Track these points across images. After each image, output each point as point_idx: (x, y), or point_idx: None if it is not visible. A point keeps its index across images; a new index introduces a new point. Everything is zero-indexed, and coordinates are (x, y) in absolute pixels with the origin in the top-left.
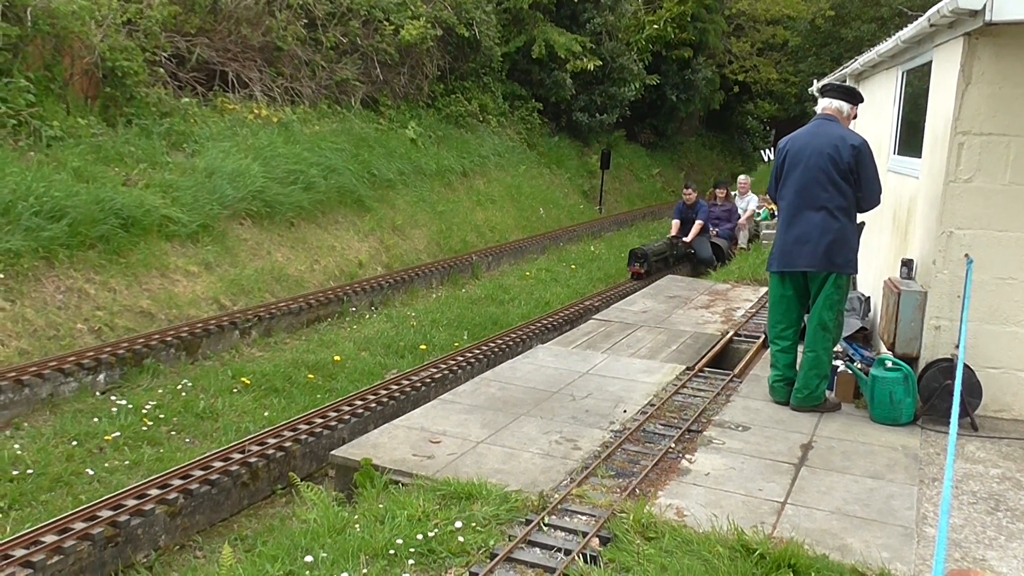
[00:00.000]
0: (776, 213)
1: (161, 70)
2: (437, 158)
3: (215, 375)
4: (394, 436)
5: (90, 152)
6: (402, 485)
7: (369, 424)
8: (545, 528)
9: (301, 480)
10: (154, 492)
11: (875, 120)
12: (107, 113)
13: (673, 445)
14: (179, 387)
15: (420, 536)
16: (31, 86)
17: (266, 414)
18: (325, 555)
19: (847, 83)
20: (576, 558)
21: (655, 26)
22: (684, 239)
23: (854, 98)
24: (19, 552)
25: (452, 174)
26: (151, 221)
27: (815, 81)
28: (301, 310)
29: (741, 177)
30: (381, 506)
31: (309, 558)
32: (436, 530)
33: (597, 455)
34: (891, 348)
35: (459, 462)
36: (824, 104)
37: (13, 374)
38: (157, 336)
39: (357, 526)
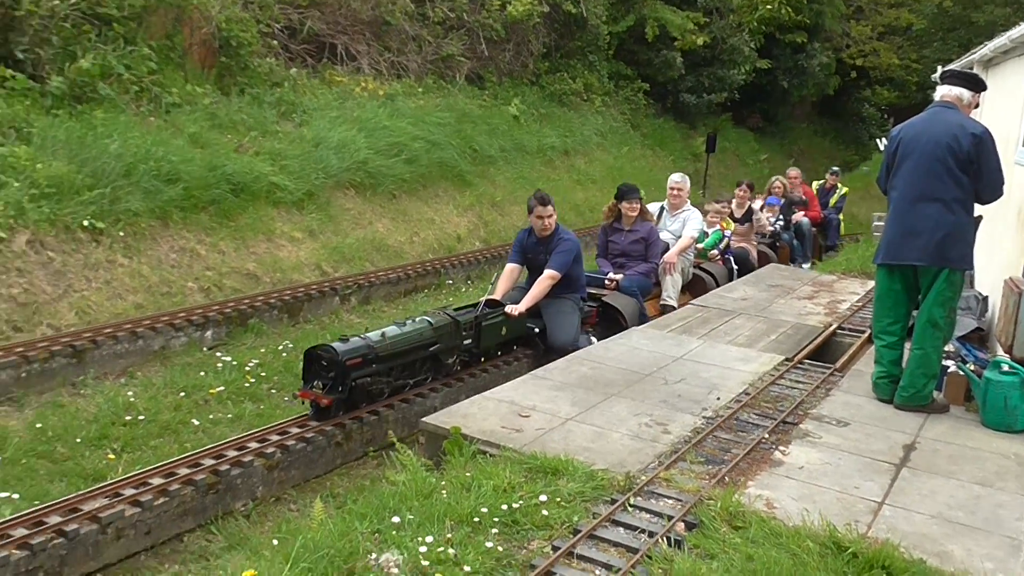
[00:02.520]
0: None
1: (274, 42)
2: (539, 136)
3: (315, 338)
4: (484, 407)
5: (205, 119)
6: (489, 456)
7: (460, 394)
8: (630, 509)
9: (391, 445)
10: (253, 445)
11: (1004, 110)
12: (222, 82)
13: (767, 436)
14: (280, 348)
15: (505, 507)
16: (153, 55)
17: None
18: (412, 517)
19: (973, 70)
20: (660, 541)
21: (768, 6)
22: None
23: (976, 85)
24: (128, 491)
25: (553, 152)
26: (260, 187)
27: (939, 68)
28: (399, 280)
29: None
30: (468, 475)
31: (396, 519)
32: (521, 502)
33: (687, 440)
34: (1008, 351)
35: (547, 437)
36: (943, 91)
37: (129, 326)
38: (262, 298)
39: (444, 492)
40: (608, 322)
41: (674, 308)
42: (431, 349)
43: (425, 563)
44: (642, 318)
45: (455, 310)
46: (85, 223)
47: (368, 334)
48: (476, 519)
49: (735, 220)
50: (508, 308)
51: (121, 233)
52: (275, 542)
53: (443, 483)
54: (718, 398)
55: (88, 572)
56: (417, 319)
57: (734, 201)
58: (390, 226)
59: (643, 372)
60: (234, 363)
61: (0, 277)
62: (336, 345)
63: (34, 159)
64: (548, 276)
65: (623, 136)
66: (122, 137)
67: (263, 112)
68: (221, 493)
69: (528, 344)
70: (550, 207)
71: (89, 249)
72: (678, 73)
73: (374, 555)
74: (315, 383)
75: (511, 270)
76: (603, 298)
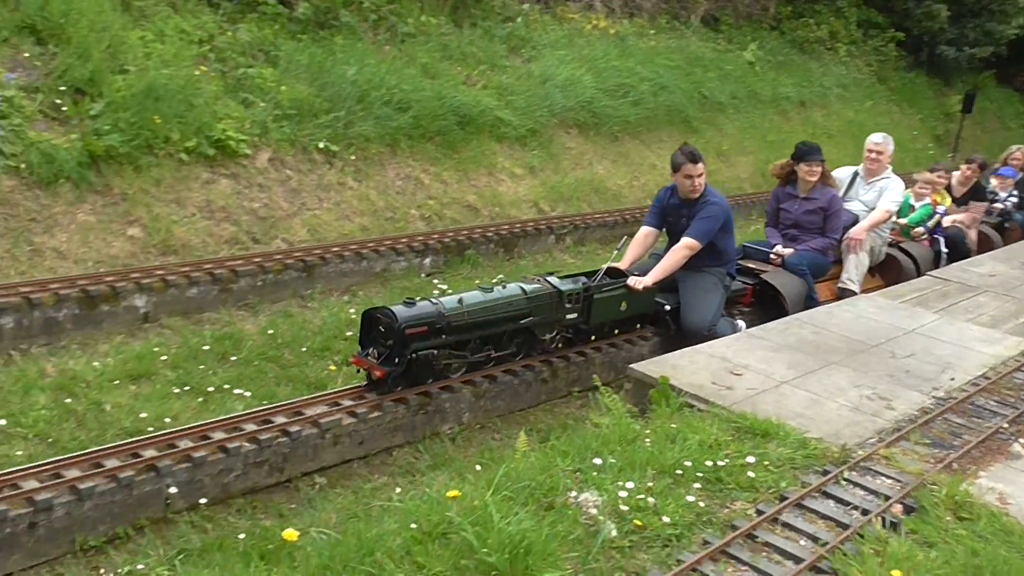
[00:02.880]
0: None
1: None
2: (774, 84)
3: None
4: (695, 361)
5: (437, 50)
6: (697, 410)
7: (670, 344)
8: (843, 483)
9: (595, 388)
10: None
11: None
12: (456, 14)
13: (1006, 425)
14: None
15: (709, 463)
16: None
17: None
18: (613, 461)
19: None
20: (874, 520)
21: None
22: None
23: None
24: (347, 402)
25: (788, 103)
26: (485, 121)
27: None
28: (616, 224)
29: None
30: (673, 426)
31: (598, 460)
32: (726, 460)
33: (913, 419)
34: None
35: (759, 398)
36: None
37: (355, 247)
38: (479, 230)
39: (647, 440)
40: (765, 304)
41: (854, 293)
42: (522, 322)
43: (624, 508)
44: (810, 302)
45: (562, 277)
46: (320, 145)
47: (443, 298)
48: (679, 471)
49: (953, 198)
50: (631, 280)
51: (352, 157)
52: (478, 467)
53: (647, 431)
54: (952, 379)
55: (306, 471)
56: (509, 285)
57: (955, 175)
58: (610, 168)
59: (868, 342)
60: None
61: (244, 191)
62: (397, 309)
63: (279, 81)
64: (684, 245)
65: (867, 89)
66: (359, 64)
67: (493, 46)
68: (430, 414)
69: (658, 323)
70: (701, 165)
71: (323, 170)
72: (939, 25)
73: (574, 493)
74: (370, 350)
75: (646, 234)
76: (762, 275)
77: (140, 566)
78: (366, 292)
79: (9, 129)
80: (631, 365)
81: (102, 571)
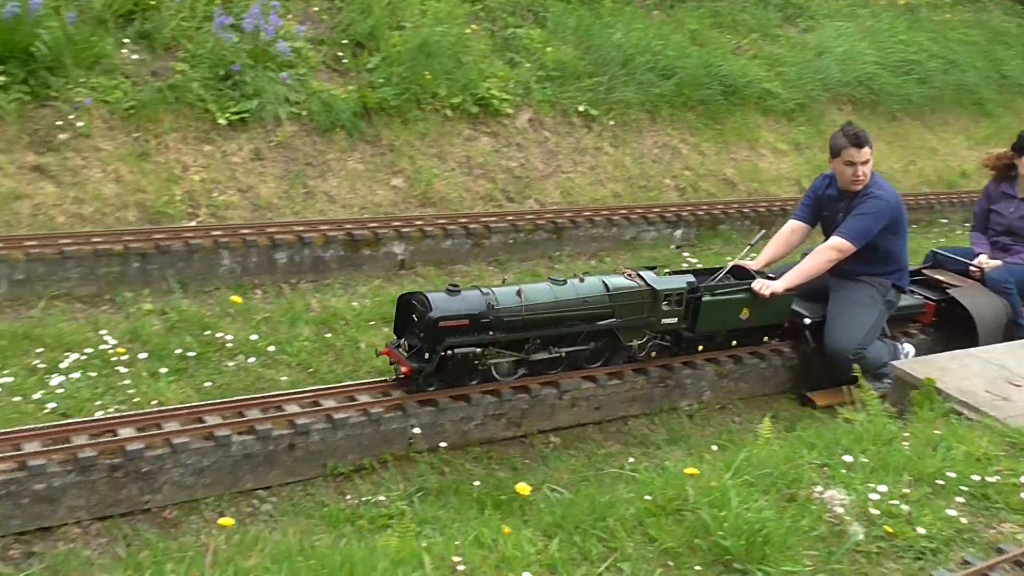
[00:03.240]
0: None
1: None
2: None
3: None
4: (966, 365)
5: (707, 16)
6: (965, 418)
7: (935, 346)
8: None
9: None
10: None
11: None
12: None
13: None
14: (748, 260)
15: (976, 477)
16: None
17: None
18: (865, 461)
19: None
20: None
21: None
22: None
23: None
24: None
25: None
26: (751, 92)
27: None
28: None
29: None
30: (936, 432)
31: (847, 458)
32: (997, 477)
33: None
34: None
35: None
36: None
37: (606, 212)
38: (736, 205)
39: (905, 444)
40: (955, 326)
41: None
42: (599, 324)
43: (874, 511)
44: (1016, 329)
45: (671, 272)
46: (580, 108)
47: (497, 289)
48: (939, 481)
49: None
50: (757, 283)
51: (611, 122)
52: (714, 447)
53: (905, 434)
54: None
55: (542, 429)
56: (587, 278)
57: None
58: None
59: None
60: (699, 264)
61: (502, 150)
62: (434, 297)
63: (545, 42)
64: (832, 245)
65: None
66: (625, 28)
67: (767, 14)
68: (670, 389)
69: (796, 336)
70: (867, 150)
71: (580, 134)
72: None
73: (819, 488)
74: (403, 341)
75: (792, 230)
76: (950, 290)
77: (382, 497)
78: (614, 258)
79: (296, 78)
80: (893, 363)
81: (348, 497)
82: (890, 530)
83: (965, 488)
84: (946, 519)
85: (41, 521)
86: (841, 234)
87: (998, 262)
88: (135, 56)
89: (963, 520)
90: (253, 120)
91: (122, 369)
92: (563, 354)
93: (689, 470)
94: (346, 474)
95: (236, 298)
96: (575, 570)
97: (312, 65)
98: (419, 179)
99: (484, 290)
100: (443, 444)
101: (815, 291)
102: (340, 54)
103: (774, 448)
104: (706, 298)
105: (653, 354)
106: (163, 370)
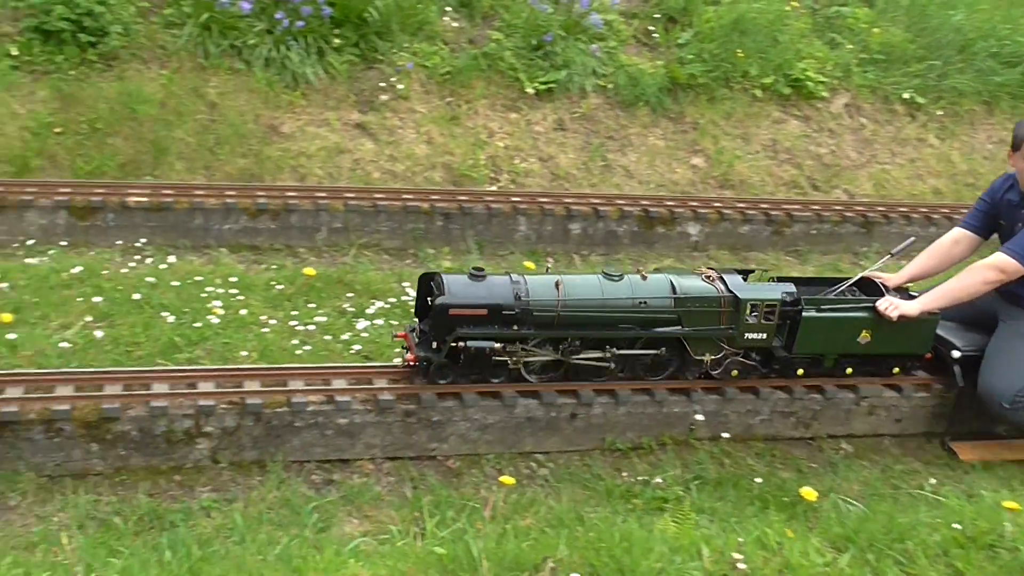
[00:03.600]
0: None
1: None
2: None
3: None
4: None
5: None
6: None
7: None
8: None
9: None
10: None
11: None
12: None
13: None
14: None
15: None
16: None
17: None
18: None
19: None
20: None
21: None
22: None
23: None
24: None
25: None
26: None
27: None
28: None
29: None
30: None
31: None
32: None
33: None
34: None
35: None
36: None
37: (925, 209)
38: None
39: None
40: None
41: None
42: (659, 330)
43: None
44: None
45: (776, 279)
46: (905, 95)
47: (531, 277)
48: None
49: None
50: (883, 301)
51: (939, 112)
52: None
53: None
54: None
55: (833, 434)
56: (652, 275)
57: None
58: None
59: None
60: None
61: (812, 135)
62: (449, 280)
63: (873, 23)
64: (991, 264)
65: None
66: (968, 9)
67: None
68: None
69: (936, 370)
70: None
71: (902, 123)
72: None
73: None
74: (416, 327)
75: (954, 239)
76: None
77: (658, 480)
78: None
79: (605, 51)
80: None
81: (624, 474)
82: None
83: None
84: None
85: (340, 453)
86: (1008, 250)
87: None
88: (455, 24)
89: None
90: (559, 91)
91: None
92: (611, 360)
93: (1008, 503)
94: (623, 451)
95: (529, 263)
96: None
97: (622, 38)
98: (720, 160)
99: (515, 277)
100: (726, 435)
101: (977, 317)
102: (651, 28)
103: None
104: (808, 314)
105: (734, 372)
106: None
